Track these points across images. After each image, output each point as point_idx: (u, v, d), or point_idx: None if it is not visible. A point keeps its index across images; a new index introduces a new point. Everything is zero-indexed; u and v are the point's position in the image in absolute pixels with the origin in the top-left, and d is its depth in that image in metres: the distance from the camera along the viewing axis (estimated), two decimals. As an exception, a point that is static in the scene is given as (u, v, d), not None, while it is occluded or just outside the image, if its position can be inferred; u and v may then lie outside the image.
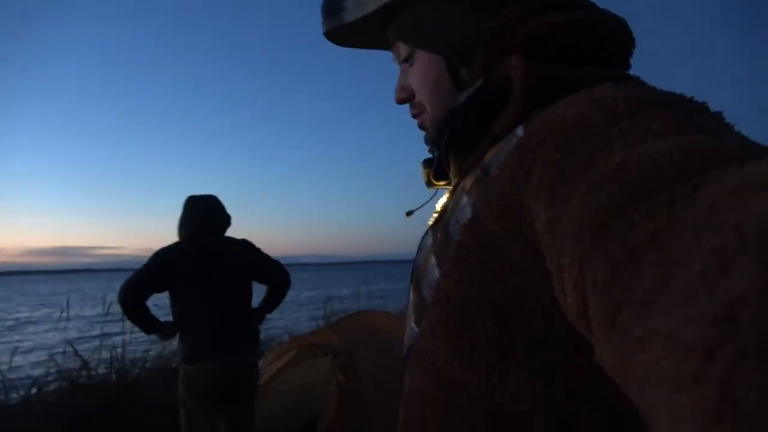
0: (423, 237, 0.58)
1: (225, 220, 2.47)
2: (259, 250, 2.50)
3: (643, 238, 0.27)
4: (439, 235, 0.51)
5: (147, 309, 2.31)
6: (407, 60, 0.59)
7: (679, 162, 0.29)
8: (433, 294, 0.47)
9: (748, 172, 0.25)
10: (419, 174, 0.63)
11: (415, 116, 0.61)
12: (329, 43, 0.66)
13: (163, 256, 2.32)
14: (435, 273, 0.48)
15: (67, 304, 4.87)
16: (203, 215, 2.38)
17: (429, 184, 0.61)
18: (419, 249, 0.57)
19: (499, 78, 0.48)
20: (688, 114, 0.35)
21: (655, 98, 0.37)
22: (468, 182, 0.50)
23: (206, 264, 2.29)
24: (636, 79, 0.48)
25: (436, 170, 0.58)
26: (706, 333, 0.20)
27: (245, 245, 2.48)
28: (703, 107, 0.38)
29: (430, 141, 0.60)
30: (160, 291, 2.32)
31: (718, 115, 0.36)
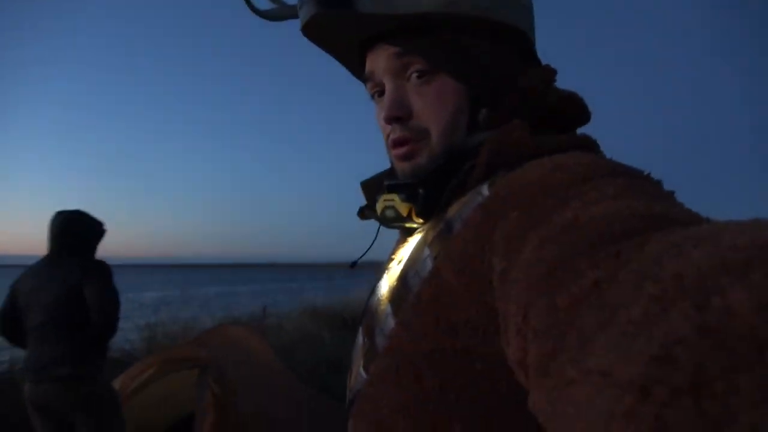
0: (378, 281, 0.57)
1: (75, 240, 2.36)
2: (97, 281, 2.29)
3: (587, 286, 0.27)
4: (396, 283, 0.52)
5: (20, 331, 2.34)
6: (422, 76, 0.53)
7: (628, 220, 0.31)
8: (386, 342, 0.48)
9: (691, 232, 0.26)
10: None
11: (403, 140, 0.54)
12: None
13: (13, 284, 2.39)
14: (390, 322, 0.49)
15: None
16: (53, 234, 2.36)
17: (398, 219, 0.55)
18: (372, 292, 0.56)
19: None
20: (641, 183, 0.38)
21: (613, 168, 0.41)
22: (430, 235, 0.51)
23: (35, 289, 2.31)
24: (599, 151, 0.54)
25: (423, 206, 0.53)
26: (643, 371, 0.20)
27: (89, 270, 2.30)
28: (655, 182, 0.40)
29: (420, 171, 0.54)
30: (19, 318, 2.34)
31: (671, 193, 0.38)
